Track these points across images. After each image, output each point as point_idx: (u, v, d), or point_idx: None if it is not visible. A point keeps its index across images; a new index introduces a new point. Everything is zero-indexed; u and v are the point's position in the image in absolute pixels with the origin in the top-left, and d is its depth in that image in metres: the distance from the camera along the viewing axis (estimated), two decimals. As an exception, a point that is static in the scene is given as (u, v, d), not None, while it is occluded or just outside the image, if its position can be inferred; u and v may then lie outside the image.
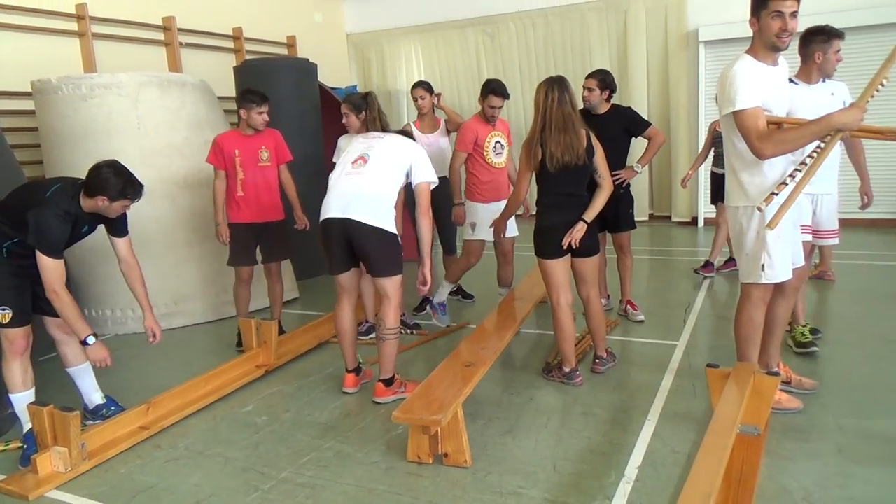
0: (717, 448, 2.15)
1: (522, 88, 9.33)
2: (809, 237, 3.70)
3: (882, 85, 2.77)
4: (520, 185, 3.73)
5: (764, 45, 2.81)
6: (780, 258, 2.92)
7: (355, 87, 9.58)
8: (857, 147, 4.08)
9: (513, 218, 4.55)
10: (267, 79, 5.99)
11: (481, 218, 4.69)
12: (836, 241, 3.94)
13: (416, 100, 5.10)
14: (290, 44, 9.27)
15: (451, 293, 5.35)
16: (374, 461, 2.89)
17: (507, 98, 4.70)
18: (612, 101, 4.53)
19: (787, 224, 2.85)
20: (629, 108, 4.73)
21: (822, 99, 3.40)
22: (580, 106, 3.88)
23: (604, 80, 4.43)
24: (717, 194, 5.91)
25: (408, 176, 3.56)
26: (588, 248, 3.62)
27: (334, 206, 3.43)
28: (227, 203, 4.42)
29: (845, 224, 4.39)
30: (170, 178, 5.14)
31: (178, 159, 5.20)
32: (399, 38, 10.22)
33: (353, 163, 3.52)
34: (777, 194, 2.78)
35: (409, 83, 8.50)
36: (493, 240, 4.58)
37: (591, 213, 3.56)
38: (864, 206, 4.20)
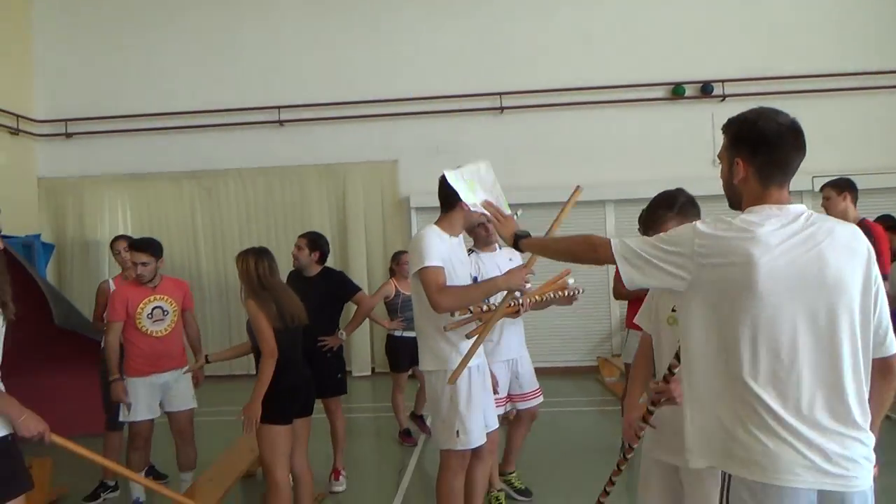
0: None
1: (241, 244, 8.95)
2: (506, 407, 3.82)
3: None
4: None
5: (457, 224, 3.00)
6: (474, 423, 2.87)
7: (38, 235, 8.36)
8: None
9: (191, 387, 4.14)
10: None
11: (140, 394, 3.98)
12: (540, 399, 4.04)
13: (117, 253, 4.55)
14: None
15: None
16: None
17: (157, 255, 4.10)
18: (326, 264, 4.42)
19: (477, 387, 2.88)
20: (341, 272, 4.69)
21: (504, 264, 3.46)
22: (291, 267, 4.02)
23: (314, 241, 4.34)
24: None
25: None
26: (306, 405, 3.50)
27: None
28: None
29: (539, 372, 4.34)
30: None
31: None
32: (103, 186, 9.33)
33: None
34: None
35: (112, 234, 7.56)
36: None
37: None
38: None
